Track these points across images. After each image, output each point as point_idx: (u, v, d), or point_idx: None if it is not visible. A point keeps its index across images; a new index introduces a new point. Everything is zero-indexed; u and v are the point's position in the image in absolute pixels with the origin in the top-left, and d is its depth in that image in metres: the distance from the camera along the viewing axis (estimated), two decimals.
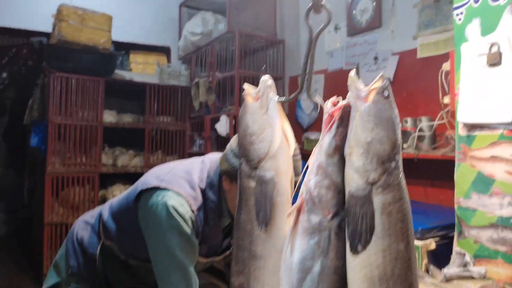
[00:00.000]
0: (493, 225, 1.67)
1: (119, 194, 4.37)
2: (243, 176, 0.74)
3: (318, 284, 0.68)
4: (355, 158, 0.64)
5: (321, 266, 0.67)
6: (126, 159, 4.31)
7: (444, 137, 2.37)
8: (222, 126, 3.84)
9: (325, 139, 0.68)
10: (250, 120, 0.72)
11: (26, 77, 4.18)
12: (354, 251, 0.65)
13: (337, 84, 3.38)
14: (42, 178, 3.76)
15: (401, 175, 0.64)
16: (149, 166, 4.29)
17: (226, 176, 1.13)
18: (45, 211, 3.65)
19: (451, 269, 1.69)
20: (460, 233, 1.79)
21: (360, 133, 0.63)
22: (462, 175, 1.78)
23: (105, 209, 1.33)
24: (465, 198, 1.77)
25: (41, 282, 3.67)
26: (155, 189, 1.14)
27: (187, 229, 1.11)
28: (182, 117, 4.55)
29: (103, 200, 3.95)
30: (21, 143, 4.75)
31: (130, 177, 4.36)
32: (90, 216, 1.39)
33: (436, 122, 2.28)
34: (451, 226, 1.92)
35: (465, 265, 1.70)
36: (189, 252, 1.13)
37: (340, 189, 0.68)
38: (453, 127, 2.10)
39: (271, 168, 0.71)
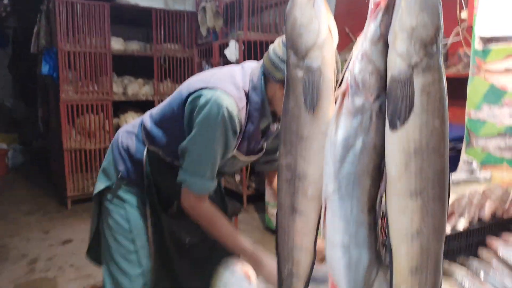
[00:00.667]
0: (501, 134, 1.77)
1: (132, 121, 4.50)
2: (291, 67, 0.80)
3: (359, 159, 0.77)
4: (399, 43, 0.70)
5: (363, 143, 0.77)
6: (136, 88, 4.35)
7: (456, 55, 2.40)
8: (232, 52, 3.82)
9: (370, 28, 0.74)
10: (298, 13, 0.77)
11: (28, 4, 4.07)
12: (393, 127, 0.73)
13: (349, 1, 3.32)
14: (57, 106, 3.84)
15: (441, 58, 0.71)
16: (159, 94, 4.35)
17: (282, 83, 1.18)
18: (63, 137, 3.78)
19: (458, 175, 1.83)
20: (469, 143, 1.90)
21: (405, 18, 0.69)
22: (475, 88, 1.85)
23: (146, 119, 1.42)
24: (476, 110, 1.85)
25: (66, 203, 3.93)
26: (202, 89, 1.21)
27: (232, 128, 1.20)
28: (190, 44, 4.51)
29: (117, 127, 4.07)
30: (29, 73, 4.75)
31: (141, 105, 4.45)
32: (131, 126, 1.48)
33: (450, 39, 2.30)
34: (459, 139, 2.03)
35: (471, 171, 1.84)
36: (224, 151, 1.24)
37: (382, 75, 0.75)
38: (468, 43, 2.12)
39: (318, 57, 0.77)
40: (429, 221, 0.77)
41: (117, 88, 4.21)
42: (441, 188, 0.75)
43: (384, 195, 0.80)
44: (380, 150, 0.77)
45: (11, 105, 5.69)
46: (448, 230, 1.61)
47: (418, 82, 0.71)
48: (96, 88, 3.92)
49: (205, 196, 1.30)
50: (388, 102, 0.74)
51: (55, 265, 2.94)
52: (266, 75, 1.24)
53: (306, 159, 0.83)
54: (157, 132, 1.36)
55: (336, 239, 0.84)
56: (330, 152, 0.79)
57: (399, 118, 0.73)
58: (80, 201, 3.96)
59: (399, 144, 0.74)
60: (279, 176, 0.88)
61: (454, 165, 1.95)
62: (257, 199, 3.93)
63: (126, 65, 4.35)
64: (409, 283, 0.82)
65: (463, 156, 1.90)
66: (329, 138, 0.78)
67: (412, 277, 0.81)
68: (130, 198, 1.40)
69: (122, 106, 4.43)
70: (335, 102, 0.79)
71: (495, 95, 1.77)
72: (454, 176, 1.81)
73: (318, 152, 0.81)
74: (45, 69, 3.67)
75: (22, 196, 4.38)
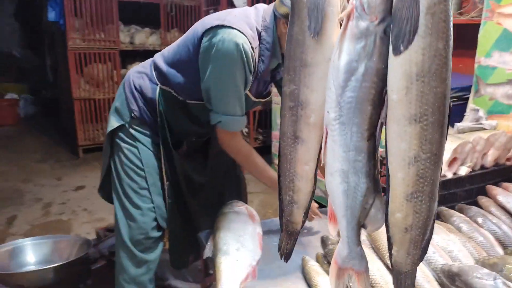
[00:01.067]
0: (510, 81, 1.75)
1: (142, 63, 4.46)
2: None
3: (361, 83, 0.78)
4: None
5: (365, 68, 0.77)
6: (143, 37, 4.31)
7: (471, 2, 2.33)
8: None
9: None
10: None
11: None
12: (397, 51, 0.73)
13: None
14: (65, 55, 3.83)
15: None
16: (166, 44, 4.30)
17: (286, 19, 1.20)
18: (72, 86, 3.81)
19: (464, 123, 1.82)
20: (477, 91, 1.89)
21: None
22: (487, 34, 1.80)
23: (157, 59, 1.43)
24: (486, 57, 1.82)
25: (77, 152, 4.01)
26: (219, 26, 1.23)
27: (249, 66, 1.24)
28: None
29: None
30: (36, 21, 4.70)
31: (149, 56, 4.41)
32: (141, 67, 1.49)
33: None
34: (468, 89, 2.01)
35: (478, 119, 1.83)
36: (245, 85, 1.28)
37: None
38: None
39: None
40: (427, 147, 0.78)
41: (124, 37, 4.17)
42: (441, 114, 0.76)
43: (384, 122, 0.82)
44: (382, 75, 0.78)
45: (20, 54, 5.68)
46: (449, 175, 1.64)
47: (424, 1, 0.70)
48: (103, 36, 3.89)
49: (239, 133, 1.37)
50: (393, 24, 0.73)
51: (69, 209, 3.06)
52: (276, 16, 1.26)
53: (309, 86, 0.83)
54: (170, 71, 1.37)
55: (335, 165, 0.87)
56: (333, 77, 0.79)
57: (402, 41, 0.72)
58: (91, 150, 4.05)
59: (401, 68, 0.74)
60: (282, 104, 0.89)
61: (461, 114, 1.94)
62: (264, 152, 3.97)
63: (132, 14, 4.29)
64: (404, 209, 0.84)
65: (470, 104, 1.89)
66: (332, 62, 0.79)
67: (408, 203, 0.84)
68: (143, 138, 1.43)
69: (130, 58, 4.41)
70: (340, 27, 0.79)
71: (507, 41, 1.73)
72: (459, 124, 1.81)
73: (321, 79, 0.82)
74: (51, 15, 3.63)
75: (34, 145, 4.47)
